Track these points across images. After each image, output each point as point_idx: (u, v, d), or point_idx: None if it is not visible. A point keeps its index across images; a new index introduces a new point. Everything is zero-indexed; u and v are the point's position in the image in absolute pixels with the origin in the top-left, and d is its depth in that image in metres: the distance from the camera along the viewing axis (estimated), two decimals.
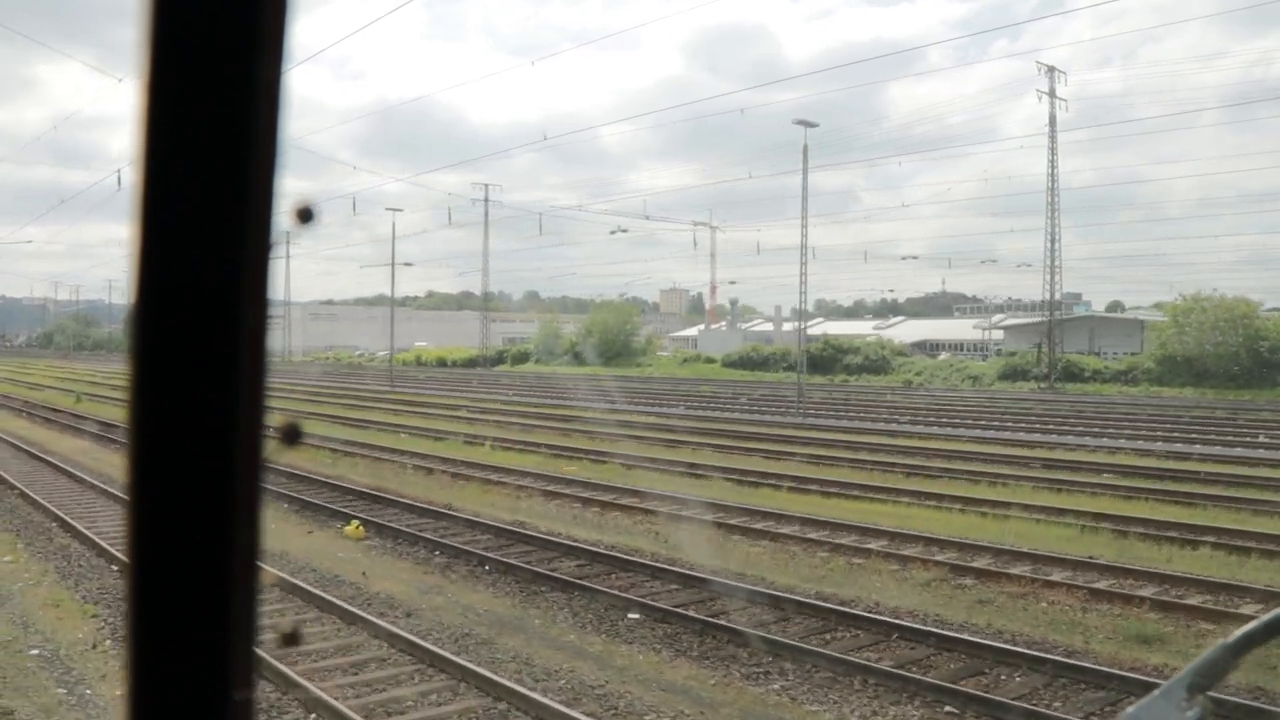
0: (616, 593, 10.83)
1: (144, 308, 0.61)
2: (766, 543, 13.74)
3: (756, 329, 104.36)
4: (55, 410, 35.41)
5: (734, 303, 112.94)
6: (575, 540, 13.45)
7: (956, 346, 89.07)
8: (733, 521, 14.90)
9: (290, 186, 0.65)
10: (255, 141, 0.61)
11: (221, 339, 0.62)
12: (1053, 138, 56.49)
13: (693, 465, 20.69)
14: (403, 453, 23.11)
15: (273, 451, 0.66)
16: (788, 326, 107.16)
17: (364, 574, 11.71)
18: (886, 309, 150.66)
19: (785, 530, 14.31)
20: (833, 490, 17.80)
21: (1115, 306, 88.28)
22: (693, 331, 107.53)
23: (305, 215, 0.67)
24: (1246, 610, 9.84)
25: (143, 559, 0.63)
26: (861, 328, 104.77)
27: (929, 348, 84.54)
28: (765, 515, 15.32)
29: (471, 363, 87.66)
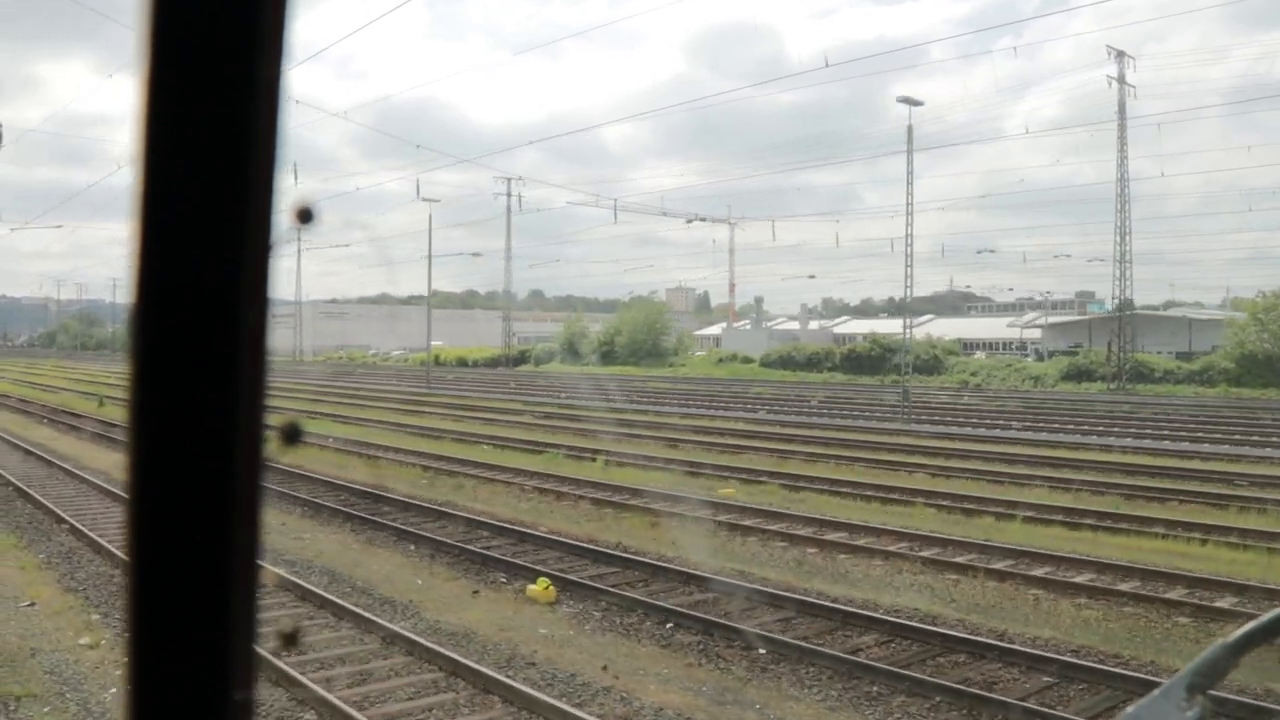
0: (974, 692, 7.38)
1: (144, 307, 0.61)
2: (1087, 600, 10.26)
3: (781, 328, 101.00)
4: (77, 416, 31.76)
5: (759, 300, 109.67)
6: (869, 605, 9.95)
7: (990, 345, 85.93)
8: (996, 566, 11.44)
9: (292, 186, 0.64)
10: (255, 141, 0.61)
11: (221, 339, 0.61)
12: (1122, 127, 53.18)
13: (858, 485, 17.28)
14: (504, 469, 19.62)
15: (275, 451, 0.66)
16: (814, 325, 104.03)
17: (605, 669, 8.19)
18: (894, 307, 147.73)
19: (1080, 579, 10.87)
20: (1056, 518, 14.39)
21: (1167, 305, 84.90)
22: (714, 330, 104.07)
23: (305, 215, 0.66)
24: None
25: (143, 559, 0.62)
26: (889, 326, 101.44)
27: (964, 347, 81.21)
28: (1030, 556, 11.89)
29: (494, 362, 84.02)
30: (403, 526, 13.81)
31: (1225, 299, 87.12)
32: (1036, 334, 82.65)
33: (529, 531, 13.38)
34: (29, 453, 22.34)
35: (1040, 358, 70.37)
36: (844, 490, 16.85)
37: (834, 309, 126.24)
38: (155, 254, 0.61)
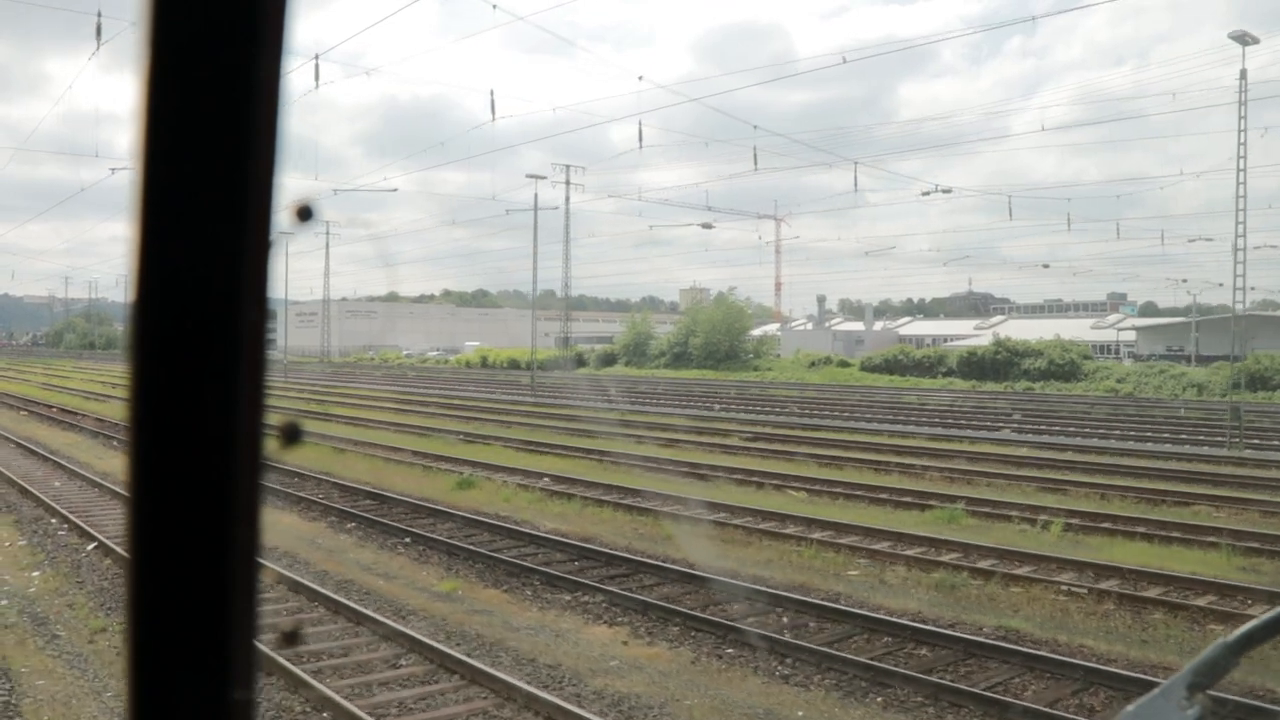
0: None
1: (144, 305, 0.61)
2: None
3: (841, 328, 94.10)
4: None
5: (821, 299, 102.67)
6: None
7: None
8: None
9: (296, 185, 0.62)
10: (255, 140, 0.61)
11: (222, 337, 0.61)
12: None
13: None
14: (877, 534, 12.48)
15: (276, 452, 0.65)
16: (878, 325, 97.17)
17: None
18: (913, 309, 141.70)
19: None
20: None
21: (1267, 305, 78.28)
22: (770, 329, 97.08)
23: (305, 213, 0.66)
24: None
25: (143, 558, 0.62)
26: (955, 328, 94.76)
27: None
28: None
29: (549, 365, 76.63)
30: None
31: None
32: (1132, 336, 76.05)
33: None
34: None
35: (1137, 360, 63.84)
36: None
37: (849, 309, 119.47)
38: (155, 252, 0.60)
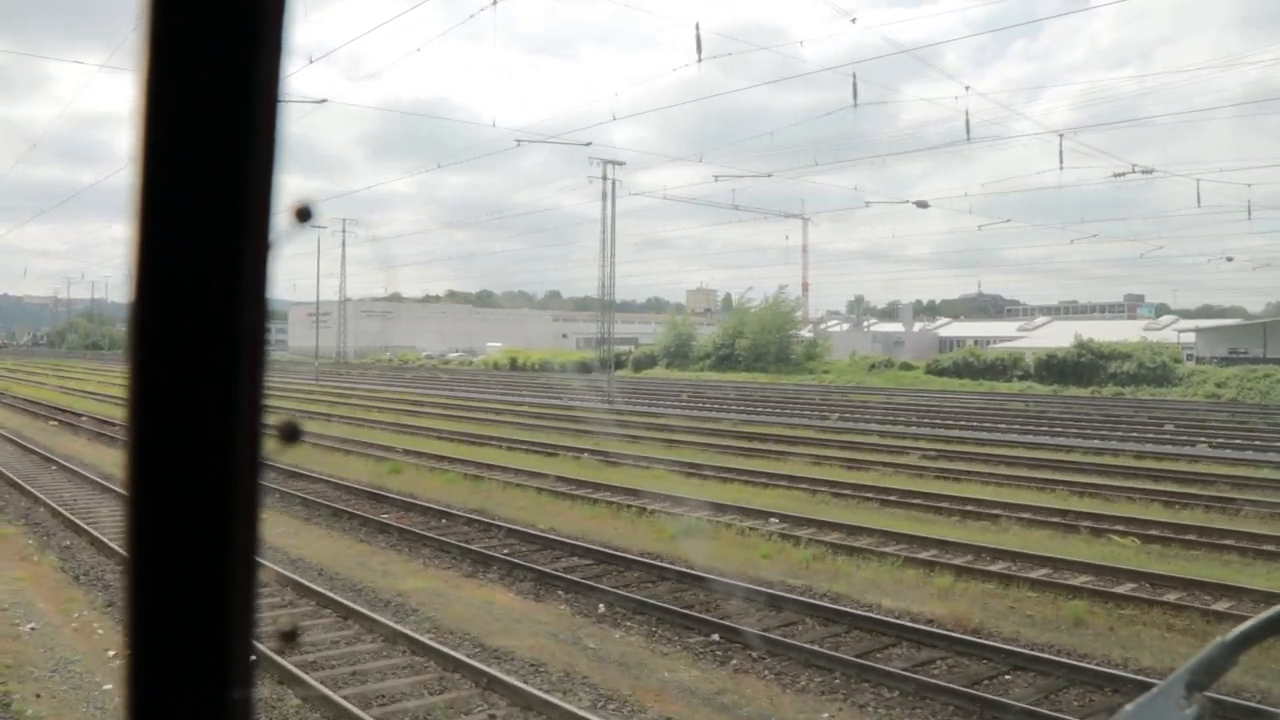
0: None
1: (143, 306, 0.60)
2: None
3: (880, 329, 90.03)
4: None
5: (859, 300, 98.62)
6: None
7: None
8: None
9: (299, 185, 0.62)
10: (255, 140, 0.60)
11: (222, 338, 0.61)
12: None
13: None
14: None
15: (273, 452, 0.63)
16: (918, 326, 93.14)
17: None
18: (922, 310, 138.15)
19: None
20: None
21: None
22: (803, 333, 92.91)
23: (304, 214, 0.65)
24: None
25: (142, 557, 0.61)
26: (998, 329, 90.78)
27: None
28: None
29: (585, 367, 72.37)
30: None
31: None
32: (1191, 338, 72.10)
33: None
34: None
35: (1199, 362, 60.04)
36: None
37: (862, 310, 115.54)
38: (155, 252, 0.59)
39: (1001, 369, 55.43)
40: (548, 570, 10.91)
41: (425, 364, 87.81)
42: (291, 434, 0.67)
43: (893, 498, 15.48)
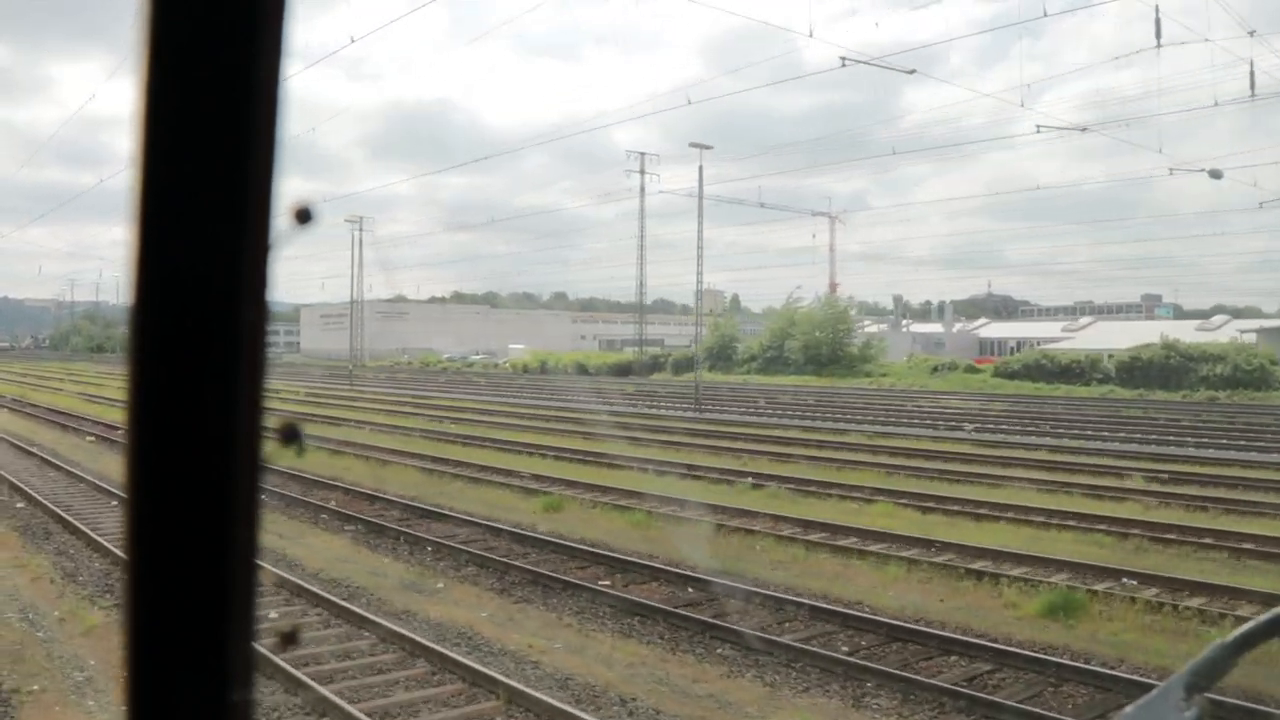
0: None
1: (143, 307, 0.60)
2: None
3: (917, 330, 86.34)
4: (336, 488, 16.29)
5: (898, 299, 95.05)
6: None
7: None
8: None
9: (299, 187, 0.60)
10: (255, 140, 0.60)
11: (221, 339, 0.60)
12: None
13: None
14: None
15: (273, 453, 0.63)
16: (958, 326, 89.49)
17: None
18: (929, 311, 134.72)
19: None
20: None
21: None
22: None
23: (304, 215, 0.65)
24: None
25: (142, 558, 0.61)
26: (1041, 330, 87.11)
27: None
28: None
29: (623, 369, 68.54)
30: None
31: None
32: (1253, 339, 68.56)
33: None
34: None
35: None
36: None
37: (868, 312, 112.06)
38: (155, 253, 0.59)
39: (1078, 372, 51.74)
40: (953, 689, 7.09)
41: (449, 366, 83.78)
42: (291, 435, 0.66)
43: (1247, 545, 11.65)
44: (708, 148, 42.31)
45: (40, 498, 14.86)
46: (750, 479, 16.89)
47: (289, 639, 1.05)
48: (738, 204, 71.09)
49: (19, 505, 14.78)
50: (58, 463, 19.02)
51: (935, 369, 56.43)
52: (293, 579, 9.92)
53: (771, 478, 16.99)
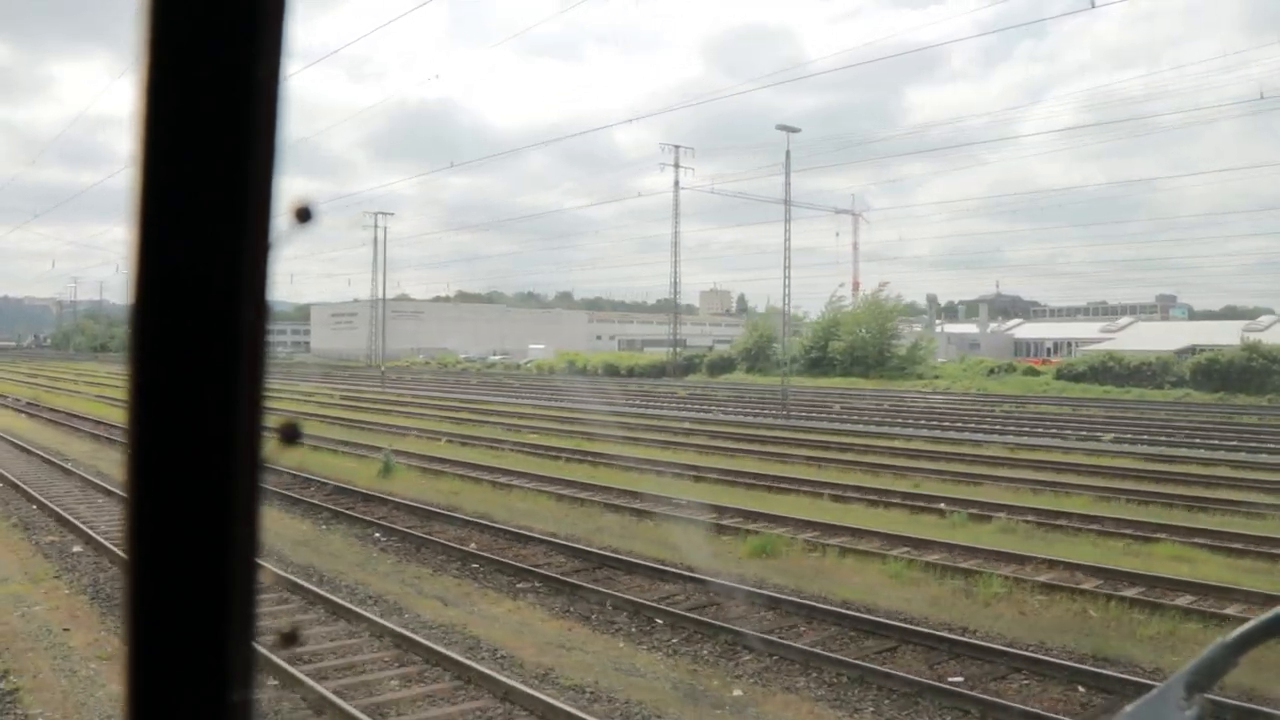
0: None
1: (143, 307, 0.60)
2: None
3: (951, 330, 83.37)
4: (390, 497, 13.24)
5: (932, 299, 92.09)
6: None
7: None
8: None
9: (300, 187, 0.63)
10: (254, 140, 0.60)
11: (221, 339, 0.60)
12: None
13: None
14: None
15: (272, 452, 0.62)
16: (992, 327, 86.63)
17: None
18: (940, 310, 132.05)
19: None
20: None
21: None
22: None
23: (304, 215, 0.64)
24: None
25: (142, 558, 0.61)
26: (1077, 330, 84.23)
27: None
28: None
29: (659, 370, 65.49)
30: None
31: None
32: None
33: None
34: None
35: None
36: None
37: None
38: (155, 253, 0.59)
39: (1149, 374, 48.82)
40: None
41: (470, 367, 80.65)
42: (291, 435, 0.66)
43: None
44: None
45: (105, 541, 11.78)
46: (951, 508, 13.85)
47: None
48: (760, 201, 68.09)
49: (78, 552, 11.70)
50: (108, 486, 15.91)
51: (991, 371, 53.48)
52: (529, 691, 6.84)
53: (969, 503, 14.00)
